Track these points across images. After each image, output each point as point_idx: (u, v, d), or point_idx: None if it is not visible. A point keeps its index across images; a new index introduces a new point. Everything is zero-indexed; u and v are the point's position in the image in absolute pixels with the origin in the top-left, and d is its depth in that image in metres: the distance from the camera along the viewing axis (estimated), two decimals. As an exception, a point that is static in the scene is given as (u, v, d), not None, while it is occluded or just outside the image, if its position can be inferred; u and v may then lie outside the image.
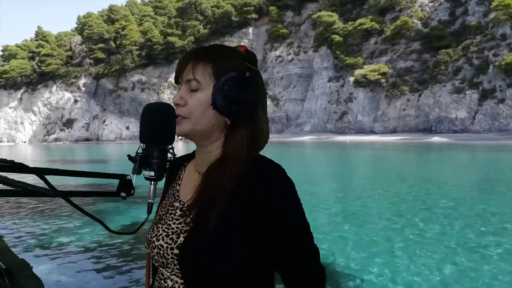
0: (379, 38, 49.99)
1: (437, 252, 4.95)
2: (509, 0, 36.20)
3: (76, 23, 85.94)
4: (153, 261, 0.78)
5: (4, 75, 77.55)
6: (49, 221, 7.53)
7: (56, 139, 75.94)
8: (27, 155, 36.37)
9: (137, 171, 0.73)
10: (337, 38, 52.12)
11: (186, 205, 0.77)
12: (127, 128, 71.11)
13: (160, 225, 0.77)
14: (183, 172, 0.86)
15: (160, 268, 0.77)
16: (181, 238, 0.71)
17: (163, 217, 0.79)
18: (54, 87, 78.25)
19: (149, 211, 0.78)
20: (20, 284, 0.54)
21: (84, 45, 78.09)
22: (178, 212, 0.77)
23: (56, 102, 77.86)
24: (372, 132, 46.18)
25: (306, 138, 49.28)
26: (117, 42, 73.08)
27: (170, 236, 0.73)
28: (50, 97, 78.18)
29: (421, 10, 48.65)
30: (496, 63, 35.48)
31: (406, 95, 43.09)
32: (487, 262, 4.54)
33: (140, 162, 0.73)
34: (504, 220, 6.49)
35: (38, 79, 78.40)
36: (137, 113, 68.64)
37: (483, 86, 36.16)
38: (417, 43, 45.57)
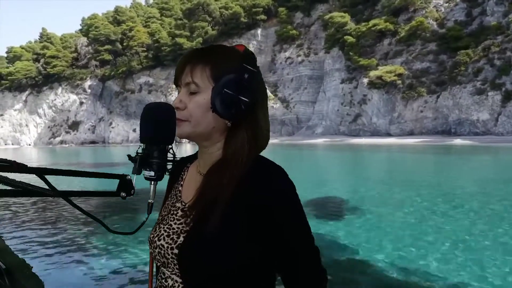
0: (393, 39, 49.21)
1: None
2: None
3: (80, 24, 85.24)
4: (155, 261, 0.80)
5: (9, 77, 76.64)
6: (49, 221, 7.54)
7: (61, 142, 74.99)
8: (32, 158, 35.63)
9: (137, 171, 0.73)
10: (350, 39, 51.34)
11: (187, 205, 0.78)
12: (134, 130, 70.13)
13: (162, 225, 0.79)
14: (185, 173, 0.87)
15: (162, 268, 0.78)
16: (181, 238, 0.72)
17: (165, 217, 0.81)
18: (60, 89, 77.32)
19: (149, 211, 0.78)
20: (20, 284, 0.54)
21: (90, 47, 77.26)
22: (180, 213, 0.78)
23: (62, 104, 76.90)
24: (388, 134, 45.31)
25: (320, 140, 48.38)
26: (124, 44, 72.21)
27: (171, 236, 0.74)
28: (55, 99, 77.19)
29: (436, 10, 47.92)
30: (519, 64, 34.73)
31: (424, 97, 42.26)
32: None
33: (140, 162, 0.73)
34: None
35: (43, 81, 77.48)
36: (144, 115, 67.39)
37: (506, 87, 35.35)
38: (433, 44, 44.76)
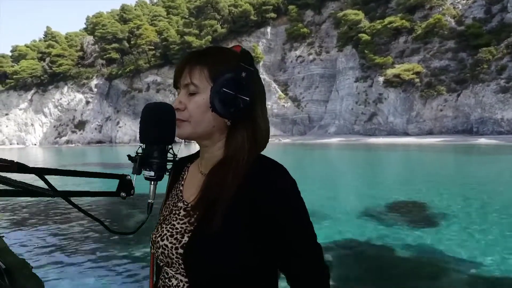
0: (409, 36, 48.30)
1: None
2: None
3: (85, 23, 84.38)
4: (158, 261, 0.80)
5: (14, 76, 75.61)
6: (49, 221, 7.52)
7: (67, 141, 73.94)
8: (37, 158, 34.71)
9: (137, 171, 0.73)
10: (364, 37, 50.46)
11: (190, 205, 0.78)
12: (142, 130, 69.14)
13: (164, 225, 0.79)
14: (186, 172, 0.87)
15: (165, 267, 0.78)
16: (186, 238, 0.73)
17: (167, 217, 0.80)
18: (65, 88, 76.27)
19: (149, 211, 0.78)
20: (20, 284, 0.54)
21: (96, 45, 76.25)
22: (182, 212, 0.78)
23: (68, 104, 75.84)
24: (405, 133, 44.44)
25: (334, 140, 47.45)
26: (131, 42, 71.22)
27: (175, 236, 0.74)
28: (61, 99, 76.15)
29: (454, 8, 47.08)
30: (543, 61, 33.91)
31: (443, 95, 41.37)
32: None
33: (140, 162, 0.73)
34: None
35: (48, 80, 76.39)
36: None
37: (532, 85, 34.58)
38: (452, 42, 43.90)
